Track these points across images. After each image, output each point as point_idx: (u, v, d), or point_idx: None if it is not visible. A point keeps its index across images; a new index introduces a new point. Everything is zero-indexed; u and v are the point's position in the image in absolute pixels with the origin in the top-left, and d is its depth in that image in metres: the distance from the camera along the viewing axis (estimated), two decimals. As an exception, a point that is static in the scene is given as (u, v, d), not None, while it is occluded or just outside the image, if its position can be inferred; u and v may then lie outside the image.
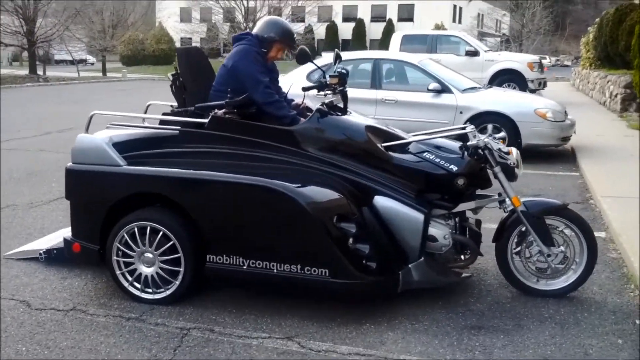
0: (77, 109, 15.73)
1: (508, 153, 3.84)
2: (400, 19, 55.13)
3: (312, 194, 3.57)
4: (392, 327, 3.57)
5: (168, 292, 3.78)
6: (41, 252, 4.44)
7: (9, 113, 14.16)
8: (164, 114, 4.30)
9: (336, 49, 4.48)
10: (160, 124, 4.28)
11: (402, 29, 45.85)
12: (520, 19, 46.20)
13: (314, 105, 4.11)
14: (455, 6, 56.56)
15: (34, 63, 30.49)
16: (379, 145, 3.91)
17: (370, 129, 3.99)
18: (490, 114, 8.78)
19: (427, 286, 3.86)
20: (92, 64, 48.11)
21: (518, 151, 3.96)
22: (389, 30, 54.69)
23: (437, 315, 3.72)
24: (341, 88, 4.04)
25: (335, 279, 3.52)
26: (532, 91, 15.18)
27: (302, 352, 3.27)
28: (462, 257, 4.07)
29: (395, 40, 16.92)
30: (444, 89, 8.93)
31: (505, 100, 9.05)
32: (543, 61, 19.12)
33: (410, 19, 53.96)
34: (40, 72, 30.91)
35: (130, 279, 3.83)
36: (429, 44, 16.75)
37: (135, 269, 3.81)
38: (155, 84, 28.28)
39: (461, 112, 8.83)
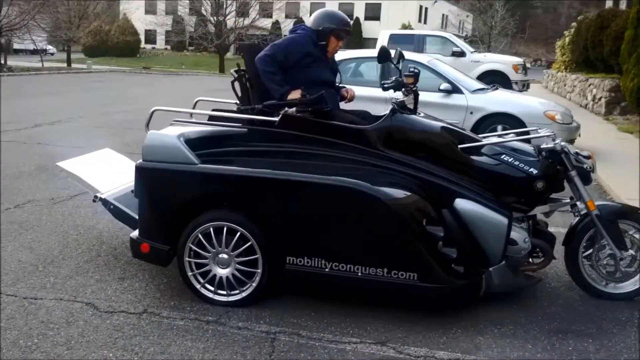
0: (57, 100, 15.26)
1: (588, 157, 3.82)
2: (367, 18, 55.10)
3: (399, 195, 3.48)
4: (479, 331, 3.51)
5: (243, 295, 3.64)
6: (97, 196, 4.15)
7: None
8: (238, 110, 4.12)
9: (397, 48, 4.37)
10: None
11: (368, 28, 45.78)
12: (489, 21, 46.82)
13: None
14: (421, 6, 56.80)
15: (-2, 53, 29.34)
16: (456, 147, 3.84)
17: (446, 129, 3.92)
18: (500, 115, 8.81)
19: (506, 290, 3.82)
20: (53, 54, 46.46)
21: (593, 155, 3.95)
22: (354, 30, 54.71)
23: (518, 319, 3.68)
24: (415, 88, 3.96)
25: (424, 283, 3.44)
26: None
27: (401, 357, 3.18)
28: (532, 260, 4.04)
29: (383, 39, 16.88)
30: (454, 90, 8.93)
31: (515, 101, 9.07)
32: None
33: (377, 18, 54.03)
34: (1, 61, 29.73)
35: (202, 280, 3.68)
36: (416, 44, 16.81)
37: (209, 271, 3.66)
38: (128, 77, 27.61)
39: (471, 113, 8.84)
